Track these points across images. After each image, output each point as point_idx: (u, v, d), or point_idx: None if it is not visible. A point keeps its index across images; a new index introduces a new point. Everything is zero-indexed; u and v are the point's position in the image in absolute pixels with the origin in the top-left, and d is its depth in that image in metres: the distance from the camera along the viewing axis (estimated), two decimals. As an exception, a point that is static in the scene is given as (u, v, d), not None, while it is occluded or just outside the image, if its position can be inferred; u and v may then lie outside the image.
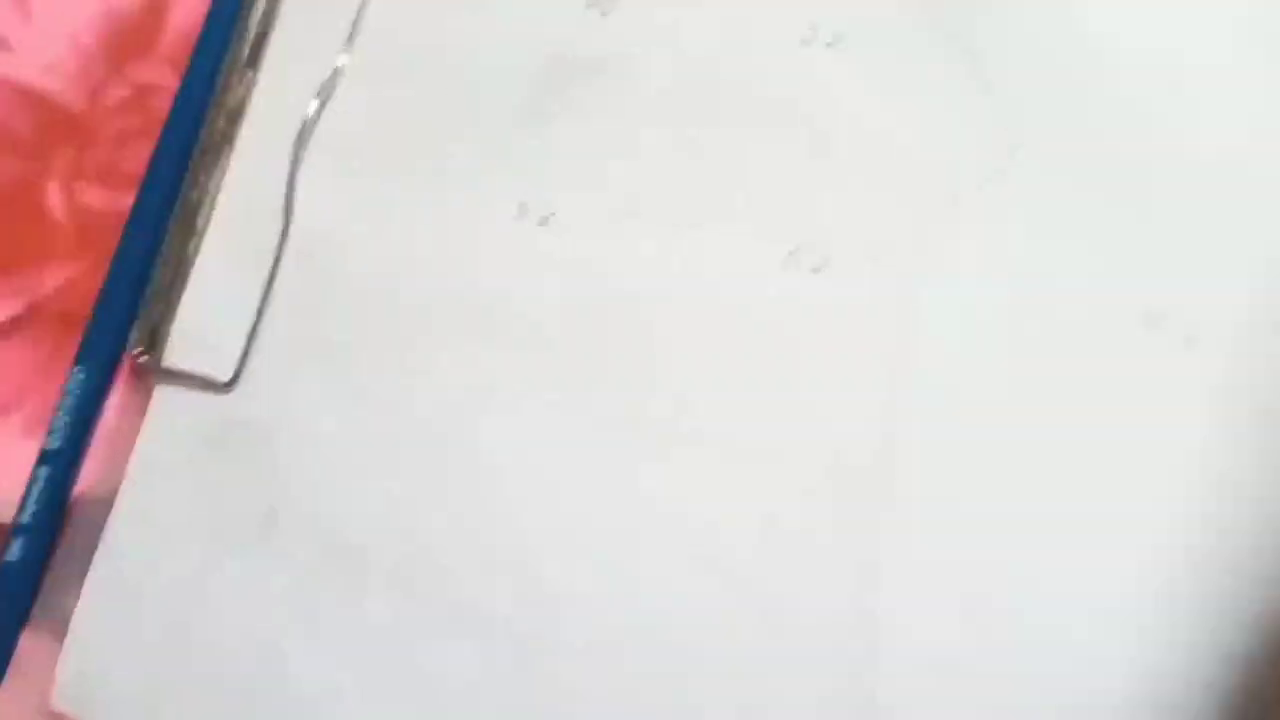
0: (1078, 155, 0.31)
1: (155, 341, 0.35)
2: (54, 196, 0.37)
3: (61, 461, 0.34)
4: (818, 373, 0.31)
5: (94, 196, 0.37)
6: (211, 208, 0.36)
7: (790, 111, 0.33)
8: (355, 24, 0.36)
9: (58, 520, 0.34)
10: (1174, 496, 0.28)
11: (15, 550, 0.33)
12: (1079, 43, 0.31)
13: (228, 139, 0.36)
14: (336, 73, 0.36)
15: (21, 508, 0.33)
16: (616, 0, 0.34)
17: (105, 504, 0.34)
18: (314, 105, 0.36)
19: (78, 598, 0.33)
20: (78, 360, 0.35)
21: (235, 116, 0.37)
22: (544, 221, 0.34)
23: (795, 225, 0.32)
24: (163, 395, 0.35)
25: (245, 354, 0.35)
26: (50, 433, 0.34)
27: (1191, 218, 0.30)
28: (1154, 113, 0.31)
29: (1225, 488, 0.28)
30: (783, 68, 0.33)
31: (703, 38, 0.34)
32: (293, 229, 0.35)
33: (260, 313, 0.35)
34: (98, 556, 0.33)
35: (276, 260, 0.35)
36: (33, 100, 0.37)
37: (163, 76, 0.37)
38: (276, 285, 0.35)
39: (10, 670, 0.33)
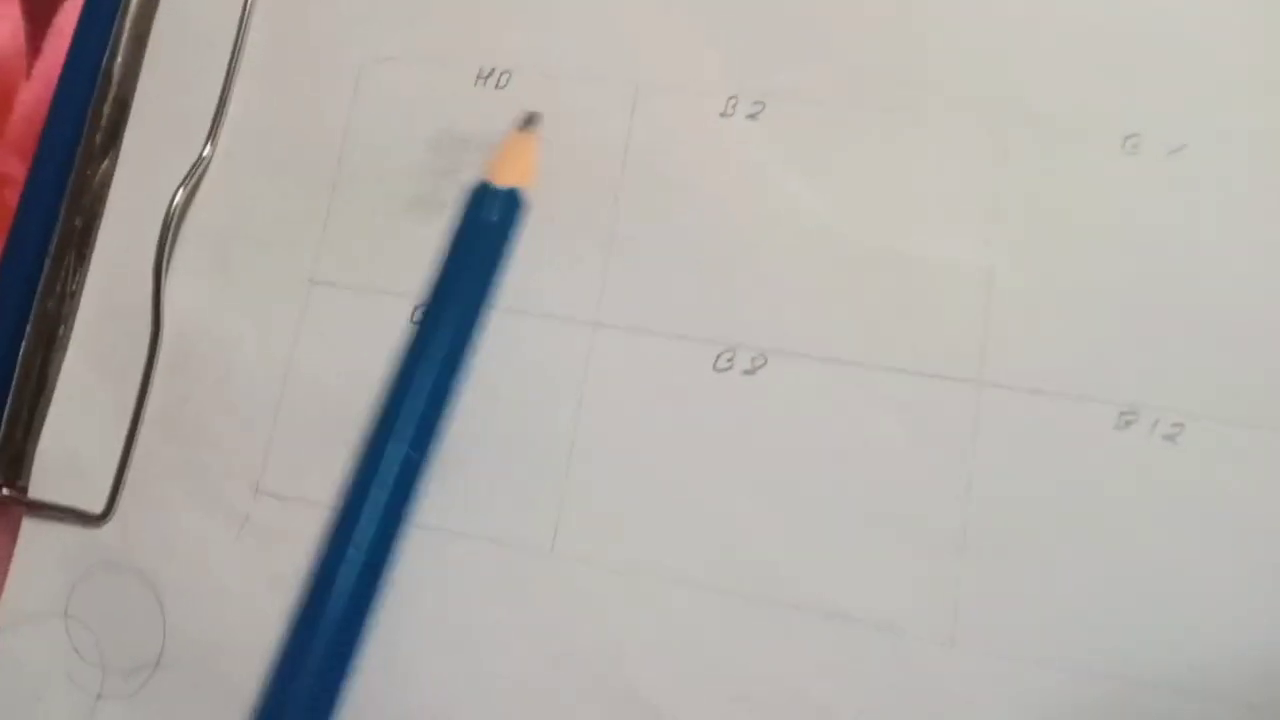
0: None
1: (19, 471, 0.32)
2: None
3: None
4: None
5: (-60, 306, 0.33)
6: (72, 316, 0.32)
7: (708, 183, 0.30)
8: (220, 107, 0.32)
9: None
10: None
11: None
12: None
13: (86, 236, 0.32)
14: (201, 160, 0.32)
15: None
16: (511, 75, 0.30)
17: (-30, 658, 0.30)
18: (180, 195, 0.32)
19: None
20: (-70, 497, 0.31)
21: (93, 210, 0.33)
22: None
23: (725, 323, 0.29)
24: (31, 530, 0.31)
25: (118, 482, 0.31)
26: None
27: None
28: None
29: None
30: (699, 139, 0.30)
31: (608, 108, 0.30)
32: (164, 334, 0.31)
33: (133, 433, 0.31)
34: (-36, 714, 0.30)
35: (148, 371, 0.31)
36: None
37: (9, 166, 0.33)
38: (149, 401, 0.31)
39: None
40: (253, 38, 0.33)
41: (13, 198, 0.33)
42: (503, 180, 0.29)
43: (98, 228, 0.32)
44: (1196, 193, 0.27)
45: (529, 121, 0.30)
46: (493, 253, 0.29)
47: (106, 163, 0.32)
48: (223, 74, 0.32)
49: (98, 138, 0.32)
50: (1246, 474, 0.25)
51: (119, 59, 0.33)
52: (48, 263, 0.32)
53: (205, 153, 0.32)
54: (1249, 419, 0.26)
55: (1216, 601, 0.25)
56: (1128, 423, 0.26)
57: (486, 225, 0.29)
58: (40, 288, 0.32)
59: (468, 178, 0.30)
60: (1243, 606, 0.25)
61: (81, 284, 0.32)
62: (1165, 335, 0.26)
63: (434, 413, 0.28)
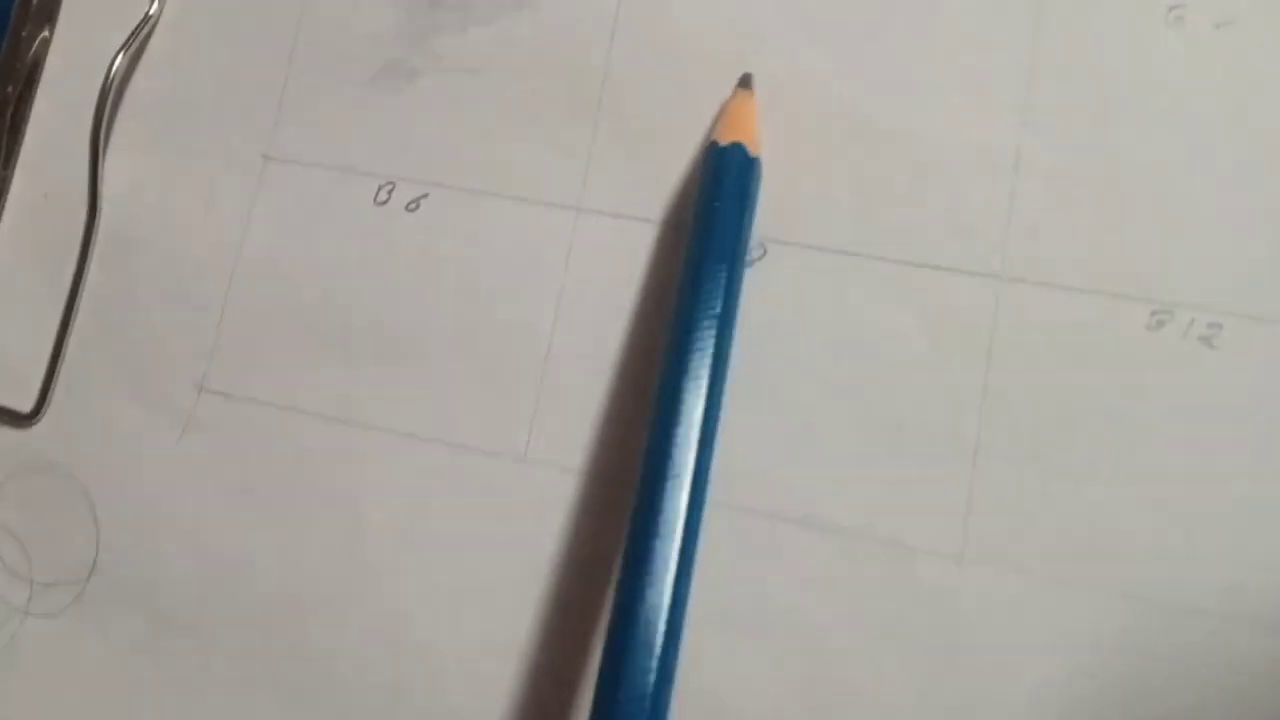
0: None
1: (-60, 364, 0.29)
2: None
3: None
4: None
5: None
6: (3, 200, 0.29)
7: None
8: (166, -40, 0.29)
9: None
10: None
11: None
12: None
13: (21, 111, 0.29)
14: (146, 20, 0.29)
15: None
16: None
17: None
18: (121, 60, 0.28)
19: None
20: None
21: (30, 77, 0.29)
22: (413, 205, 0.27)
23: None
24: (-46, 430, 0.29)
25: (50, 377, 0.28)
26: None
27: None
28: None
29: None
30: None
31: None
32: (101, 215, 0.28)
33: (66, 324, 0.28)
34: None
35: (83, 256, 0.28)
36: None
37: (-67, 30, 0.30)
38: (85, 288, 0.28)
39: None
40: (205, -110, 0.30)
41: (-64, 64, 0.29)
42: (728, 139, 0.25)
43: (33, 97, 0.29)
44: (1244, 71, 0.24)
45: (744, 82, 0.26)
46: (739, 218, 0.25)
47: (46, 31, 0.29)
48: (171, -73, 0.29)
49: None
50: (1288, 379, 0.23)
51: (55, -90, 0.29)
52: (-25, 135, 0.29)
53: (151, 11, 0.29)
54: (1293, 319, 0.23)
55: (1251, 520, 0.23)
56: (1160, 323, 0.24)
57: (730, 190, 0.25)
58: (-34, 163, 0.29)
59: (443, 44, 0.27)
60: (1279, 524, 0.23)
61: (14, 162, 0.29)
62: (1203, 227, 0.24)
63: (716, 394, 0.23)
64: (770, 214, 0.26)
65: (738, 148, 0.25)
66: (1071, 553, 0.23)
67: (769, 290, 0.25)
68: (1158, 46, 0.25)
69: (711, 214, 0.24)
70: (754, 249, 0.26)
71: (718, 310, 0.23)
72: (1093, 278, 0.24)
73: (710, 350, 0.23)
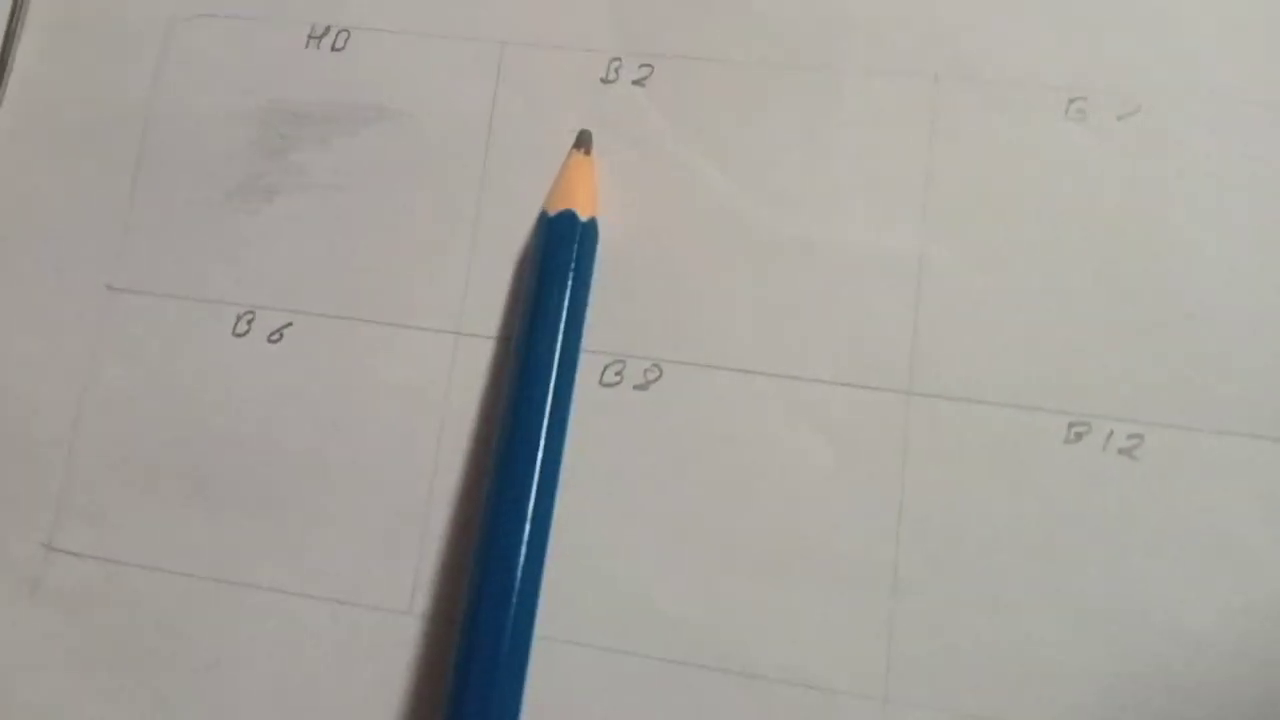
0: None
1: None
2: None
3: None
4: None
5: None
6: None
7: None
8: (-7, 73, 0.26)
9: None
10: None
11: None
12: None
13: None
14: (-28, 141, 0.26)
15: None
16: (350, 33, 0.25)
17: None
18: (-52, 186, 0.26)
19: None
20: None
21: None
22: (276, 336, 0.25)
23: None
24: None
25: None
26: None
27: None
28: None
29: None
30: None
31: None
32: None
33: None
34: None
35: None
36: None
37: None
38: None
39: None
40: (39, -8, 0.27)
41: None
42: (558, 207, 0.24)
43: None
44: (1152, 164, 0.23)
45: (581, 143, 0.25)
46: (571, 287, 0.24)
47: None
48: (1, 32, 0.27)
49: None
50: (1216, 489, 0.22)
51: None
52: None
53: (-16, 129, 0.26)
54: (1217, 426, 0.22)
55: (1181, 644, 0.22)
56: (1079, 435, 0.23)
57: (558, 258, 0.24)
58: None
59: (304, 158, 0.25)
60: (1216, 643, 0.21)
61: None
62: (1120, 333, 0.23)
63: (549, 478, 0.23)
64: (666, 333, 0.24)
65: (567, 215, 0.23)
66: (1000, 687, 0.22)
67: (666, 414, 0.23)
68: (1061, 142, 0.23)
69: (539, 290, 0.23)
70: (649, 370, 0.24)
71: (542, 399, 0.23)
72: (1006, 390, 0.23)
73: (534, 450, 0.22)
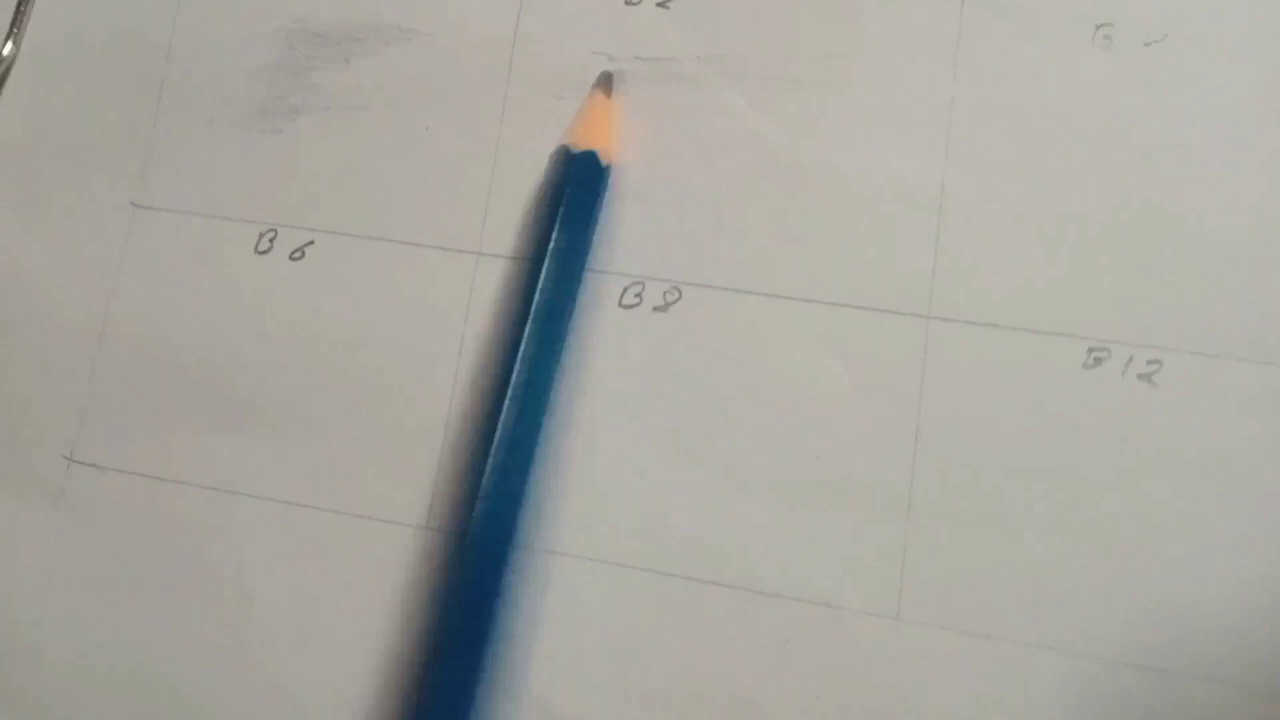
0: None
1: None
2: None
3: None
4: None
5: None
6: None
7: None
8: (22, 5, 0.26)
9: None
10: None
11: None
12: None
13: None
14: (1, 61, 0.26)
15: None
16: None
17: None
18: (-26, 104, 0.26)
19: None
20: None
21: None
22: (298, 254, 0.25)
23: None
24: None
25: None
26: None
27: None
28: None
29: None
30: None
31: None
32: (-41, 274, 0.26)
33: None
34: None
35: (-61, 319, 0.26)
36: None
37: None
38: (-59, 355, 0.26)
39: None
40: (64, -85, 0.27)
41: None
42: (583, 145, 0.24)
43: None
44: (1176, 92, 0.23)
45: (603, 83, 0.24)
46: (580, 226, 0.24)
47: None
48: (27, -43, 0.27)
49: None
50: (1234, 416, 0.22)
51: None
52: None
53: (5, 52, 0.26)
54: (1237, 352, 0.22)
55: (1199, 567, 0.22)
56: (1098, 360, 0.23)
57: (570, 195, 0.24)
58: None
59: (326, 79, 0.25)
60: (1230, 573, 0.21)
61: None
62: (1141, 258, 0.23)
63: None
64: (686, 255, 0.24)
65: (589, 155, 0.23)
66: (1011, 609, 0.22)
67: (685, 336, 0.24)
68: (1086, 69, 0.23)
69: (554, 225, 0.23)
70: (668, 292, 0.24)
71: (553, 330, 0.23)
72: (1025, 315, 0.23)
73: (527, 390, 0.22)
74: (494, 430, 0.22)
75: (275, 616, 0.24)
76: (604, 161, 0.24)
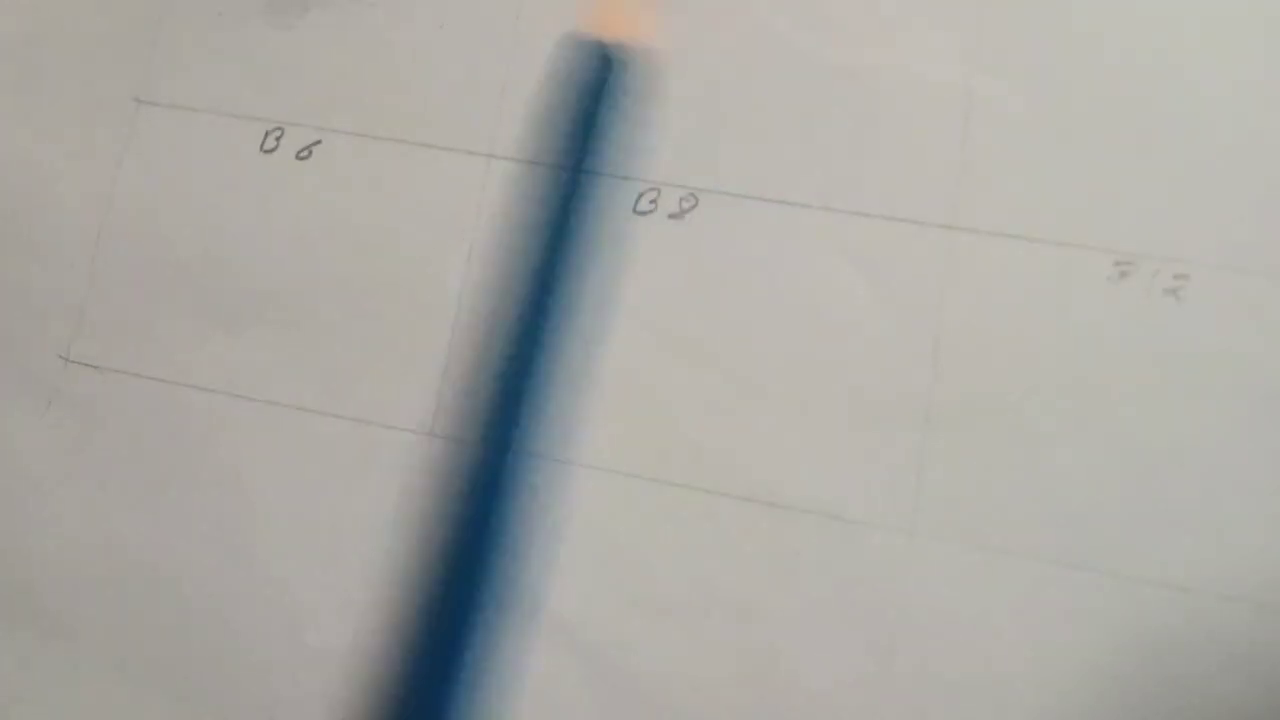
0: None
1: None
2: None
3: None
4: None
5: None
6: None
7: None
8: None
9: None
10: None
11: None
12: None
13: None
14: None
15: None
16: None
17: None
18: (-25, -3, 0.25)
19: None
20: None
21: None
22: (305, 153, 0.24)
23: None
24: None
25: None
26: None
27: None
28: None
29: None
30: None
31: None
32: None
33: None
34: None
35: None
36: None
37: None
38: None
39: None
40: None
41: None
42: (593, 34, 0.23)
43: None
44: (1211, 3, 0.23)
45: None
46: (585, 119, 0.23)
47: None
48: None
49: None
50: (1259, 334, 0.21)
51: None
52: None
53: (4, -61, 0.26)
54: (1263, 268, 0.22)
55: (1219, 486, 0.21)
56: (1123, 274, 0.22)
57: (580, 88, 0.23)
58: None
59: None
60: (1251, 489, 0.21)
61: None
62: (1169, 171, 0.22)
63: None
64: (703, 161, 0.23)
65: (602, 44, 0.23)
66: (1028, 524, 0.21)
67: (700, 245, 0.23)
68: (1119, -26, 0.23)
69: (568, 122, 0.22)
70: (684, 199, 0.23)
71: (566, 236, 0.22)
72: (1050, 227, 0.22)
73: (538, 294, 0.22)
74: (506, 337, 0.22)
75: (274, 519, 0.23)
76: (619, 48, 0.23)
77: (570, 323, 0.23)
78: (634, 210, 0.23)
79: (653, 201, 0.23)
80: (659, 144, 0.23)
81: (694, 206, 0.23)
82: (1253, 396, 0.21)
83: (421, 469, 0.23)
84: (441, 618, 0.21)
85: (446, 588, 0.21)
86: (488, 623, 0.21)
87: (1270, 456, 0.21)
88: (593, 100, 0.23)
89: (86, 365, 0.24)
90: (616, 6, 0.24)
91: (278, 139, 0.24)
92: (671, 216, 0.23)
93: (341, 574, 0.23)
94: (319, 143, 0.24)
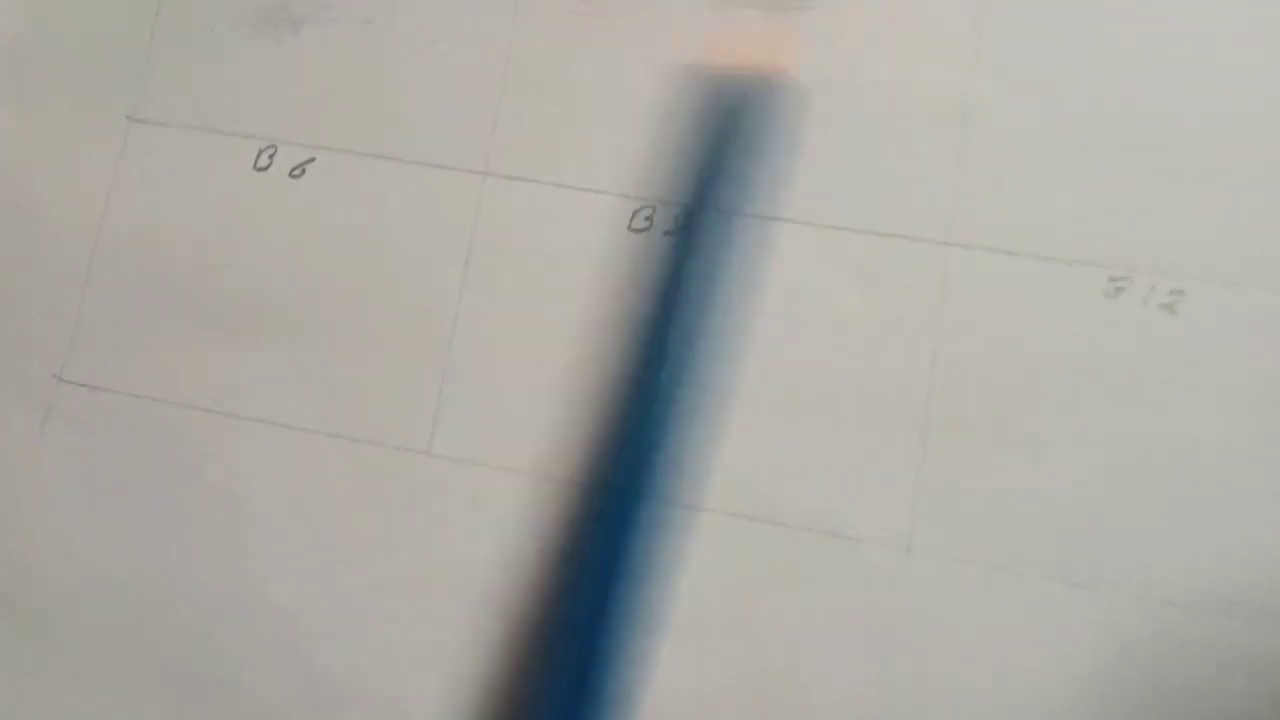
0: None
1: None
2: None
3: None
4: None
5: None
6: None
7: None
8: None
9: None
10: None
11: None
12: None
13: None
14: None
15: None
16: None
17: None
18: (-35, 14, 0.25)
19: None
20: None
21: None
22: (298, 171, 0.24)
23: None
24: None
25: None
26: None
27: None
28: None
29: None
30: None
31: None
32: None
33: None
34: None
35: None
36: None
37: None
38: (-73, 271, 0.25)
39: None
40: None
41: None
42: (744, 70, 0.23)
43: None
44: (1207, 14, 0.23)
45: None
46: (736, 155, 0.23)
47: None
48: None
49: None
50: (1255, 349, 0.22)
51: None
52: None
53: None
54: (1258, 283, 0.22)
55: (1218, 499, 0.21)
56: (1119, 289, 0.22)
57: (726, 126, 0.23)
58: None
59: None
60: (1248, 503, 0.21)
61: None
62: (1165, 187, 0.22)
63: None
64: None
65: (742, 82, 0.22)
66: (1025, 541, 0.21)
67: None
68: (1114, -13, 0.23)
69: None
70: (679, 214, 0.23)
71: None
72: (1047, 243, 0.22)
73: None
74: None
75: (269, 539, 0.23)
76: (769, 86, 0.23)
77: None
78: (629, 228, 0.23)
79: (648, 219, 0.23)
80: (653, 162, 0.23)
81: (685, 225, 0.23)
82: (1248, 410, 0.21)
83: (417, 488, 0.23)
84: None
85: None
86: (489, 639, 0.21)
87: (1266, 469, 0.21)
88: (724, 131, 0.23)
89: (80, 384, 0.24)
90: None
91: (271, 156, 0.24)
92: (667, 233, 0.23)
93: (338, 592, 0.22)
94: (313, 160, 0.24)
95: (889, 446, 0.22)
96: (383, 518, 0.23)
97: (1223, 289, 0.22)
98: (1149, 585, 0.21)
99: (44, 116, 0.25)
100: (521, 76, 0.24)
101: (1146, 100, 0.23)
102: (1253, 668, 0.20)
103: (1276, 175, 0.22)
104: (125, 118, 0.25)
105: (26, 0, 0.26)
